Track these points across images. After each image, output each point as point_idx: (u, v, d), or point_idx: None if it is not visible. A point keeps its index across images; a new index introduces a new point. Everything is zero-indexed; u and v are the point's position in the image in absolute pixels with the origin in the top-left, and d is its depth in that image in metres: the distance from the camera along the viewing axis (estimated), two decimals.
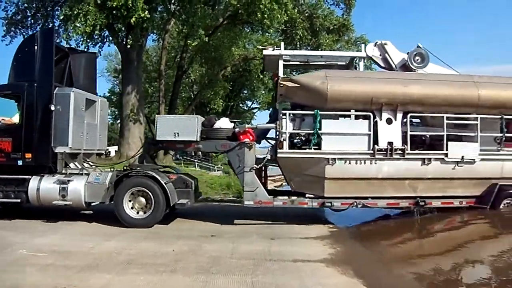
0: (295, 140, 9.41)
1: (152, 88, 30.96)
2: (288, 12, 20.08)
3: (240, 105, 40.15)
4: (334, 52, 12.21)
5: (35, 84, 9.03)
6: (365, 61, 9.96)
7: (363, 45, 10.28)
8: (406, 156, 9.01)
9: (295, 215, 9.92)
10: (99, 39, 20.35)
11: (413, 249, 7.85)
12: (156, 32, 23.06)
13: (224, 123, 9.53)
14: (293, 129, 9.15)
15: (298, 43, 23.15)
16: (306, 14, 24.08)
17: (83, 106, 9.47)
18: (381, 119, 9.06)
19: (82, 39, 18.68)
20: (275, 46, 9.93)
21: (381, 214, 10.19)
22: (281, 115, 9.08)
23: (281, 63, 9.48)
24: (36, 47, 9.08)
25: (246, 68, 28.75)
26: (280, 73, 9.44)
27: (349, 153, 8.91)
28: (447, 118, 9.25)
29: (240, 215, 9.78)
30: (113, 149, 22.76)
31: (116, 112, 31.38)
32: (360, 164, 8.97)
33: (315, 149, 8.93)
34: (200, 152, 12.92)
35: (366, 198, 9.18)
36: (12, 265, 5.92)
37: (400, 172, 9.08)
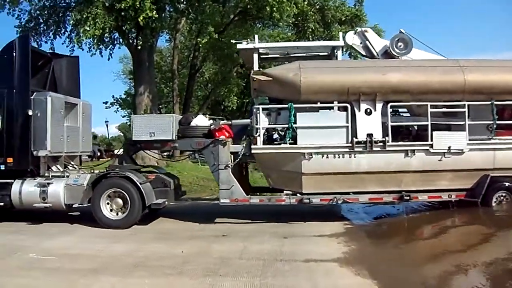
0: (275, 136, 9.12)
1: (168, 88, 31.25)
2: (298, 5, 19.67)
3: None
4: (312, 42, 11.75)
5: (14, 90, 9.15)
6: (344, 50, 9.50)
7: (341, 34, 9.83)
8: (387, 148, 8.58)
9: (311, 212, 9.66)
10: (110, 41, 20.64)
11: (433, 248, 7.35)
12: (167, 32, 23.11)
13: (200, 121, 9.38)
14: (269, 124, 8.86)
15: (310, 36, 22.68)
16: (317, 6, 23.54)
17: (62, 109, 9.55)
18: (359, 110, 8.66)
19: (92, 42, 18.99)
20: (249, 40, 9.63)
21: (399, 209, 9.86)
22: (254, 110, 8.83)
23: (255, 56, 9.23)
24: (14, 53, 9.21)
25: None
26: (255, 67, 9.17)
27: (326, 147, 8.56)
28: (432, 107, 8.71)
29: (254, 213, 9.48)
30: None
31: (132, 114, 31.89)
32: (339, 158, 8.61)
33: (290, 144, 8.61)
34: None
35: (347, 193, 8.78)
36: (20, 270, 5.92)
37: (382, 165, 8.65)
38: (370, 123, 8.64)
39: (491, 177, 8.70)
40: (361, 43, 9.53)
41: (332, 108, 8.74)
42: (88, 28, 17.78)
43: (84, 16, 17.53)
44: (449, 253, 6.70)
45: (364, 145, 8.53)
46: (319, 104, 8.71)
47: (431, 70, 8.78)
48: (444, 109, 9.00)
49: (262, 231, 8.23)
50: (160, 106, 29.80)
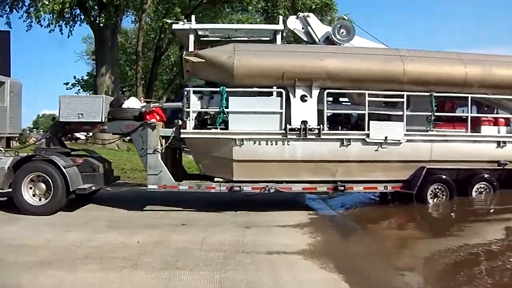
0: (209, 121, 8.73)
1: (132, 71, 30.42)
2: None
3: None
4: (252, 25, 11.36)
5: None
6: (284, 34, 9.12)
7: (281, 18, 9.45)
8: (322, 137, 8.28)
9: (274, 200, 9.35)
10: (70, 18, 19.84)
11: (401, 239, 7.21)
12: (133, 12, 22.34)
13: (132, 103, 8.93)
14: (201, 108, 8.46)
15: (279, 22, 22.19)
16: None
17: None
18: (294, 96, 8.33)
19: (52, 18, 18.19)
20: (185, 20, 9.16)
21: (367, 199, 9.75)
22: (185, 92, 8.42)
23: (191, 37, 8.77)
24: None
25: None
26: (190, 49, 8.72)
27: (259, 133, 8.23)
28: (370, 95, 8.43)
29: (218, 201, 9.13)
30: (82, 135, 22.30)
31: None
32: (272, 145, 8.28)
33: (221, 129, 8.23)
34: None
35: (281, 182, 8.46)
36: None
37: (316, 154, 8.36)
38: (305, 110, 8.32)
39: (427, 169, 8.49)
40: (302, 29, 9.19)
41: (266, 93, 8.36)
42: (47, 2, 16.96)
43: None
44: (417, 244, 6.58)
45: (298, 132, 8.22)
46: (252, 89, 8.29)
47: (371, 58, 8.50)
48: (385, 99, 8.68)
49: (223, 220, 7.93)
50: (124, 89, 29.06)
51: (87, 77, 27.64)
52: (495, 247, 6.27)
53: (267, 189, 8.41)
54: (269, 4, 22.23)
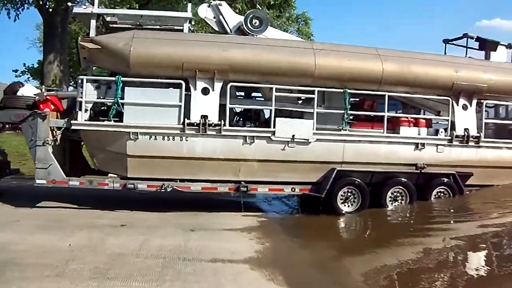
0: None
1: None
2: None
3: None
4: (157, 12, 10.71)
5: None
6: (190, 23, 8.51)
7: (189, 5, 8.82)
8: (223, 133, 7.69)
9: (222, 201, 8.83)
10: (18, 1, 19.04)
11: (356, 245, 6.74)
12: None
13: (27, 90, 8.30)
14: (97, 98, 7.84)
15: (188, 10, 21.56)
16: None
17: None
18: (195, 89, 7.72)
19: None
20: (87, 3, 8.52)
21: None
22: (79, 81, 7.79)
23: (93, 23, 8.12)
24: None
25: None
26: (92, 35, 8.08)
27: (155, 127, 7.62)
28: (278, 90, 7.86)
29: (164, 199, 8.36)
30: None
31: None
32: (169, 140, 7.68)
33: (115, 121, 7.61)
34: None
35: (180, 180, 7.87)
36: None
37: (217, 151, 7.78)
38: (206, 104, 7.73)
39: (337, 171, 7.93)
40: (214, 18, 8.57)
41: (165, 84, 7.77)
42: None
43: None
44: (371, 251, 6.07)
45: (197, 127, 7.63)
46: (150, 79, 7.69)
47: (280, 50, 7.94)
48: (293, 94, 8.14)
49: (167, 221, 7.33)
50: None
51: (38, 65, 26.66)
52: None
53: (163, 187, 7.79)
54: None
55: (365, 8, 45.04)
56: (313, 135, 7.89)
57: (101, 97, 7.85)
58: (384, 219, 7.88)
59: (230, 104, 7.81)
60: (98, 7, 8.32)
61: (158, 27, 8.96)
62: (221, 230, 6.91)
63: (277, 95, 7.97)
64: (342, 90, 8.04)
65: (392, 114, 8.59)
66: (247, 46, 7.88)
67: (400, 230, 7.42)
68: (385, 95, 8.22)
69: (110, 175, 8.14)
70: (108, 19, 8.65)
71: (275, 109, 7.98)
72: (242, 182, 7.96)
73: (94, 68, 8.58)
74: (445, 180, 8.43)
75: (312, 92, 7.95)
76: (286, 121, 7.88)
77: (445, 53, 9.60)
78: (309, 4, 48.30)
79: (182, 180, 7.92)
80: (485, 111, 9.60)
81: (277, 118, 7.83)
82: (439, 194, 8.46)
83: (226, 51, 7.71)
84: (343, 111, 8.02)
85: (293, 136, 7.81)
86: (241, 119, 8.66)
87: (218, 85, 7.76)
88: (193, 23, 8.67)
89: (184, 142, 7.70)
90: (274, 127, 7.83)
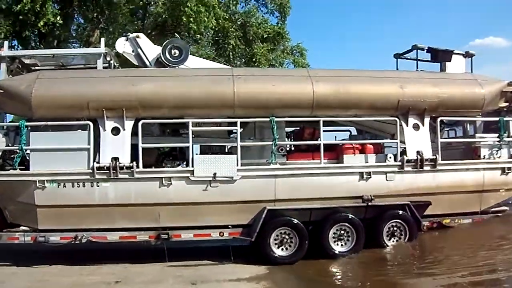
0: None
1: None
2: (219, 21, 18.27)
3: None
4: (69, 50, 10.28)
5: None
6: (105, 58, 7.89)
7: (102, 40, 8.22)
8: (136, 176, 6.93)
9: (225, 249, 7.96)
10: (9, 48, 19.13)
11: None
12: (80, 45, 21.50)
13: None
14: (6, 146, 7.29)
15: (230, 53, 21.24)
16: (239, 23, 22.25)
17: None
18: (104, 129, 7.05)
19: None
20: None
21: None
22: None
23: (3, 66, 7.64)
24: None
25: None
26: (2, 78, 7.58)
27: (62, 174, 6.95)
28: (195, 124, 7.11)
29: (156, 252, 7.52)
30: None
31: None
32: (79, 187, 6.98)
33: (21, 169, 7.00)
34: None
35: (95, 230, 7.15)
36: None
37: (131, 196, 7.04)
38: (117, 145, 7.04)
39: (268, 211, 7.02)
40: (133, 51, 7.96)
41: (72, 127, 7.15)
42: None
43: None
44: None
45: (107, 171, 6.90)
46: (54, 122, 7.09)
47: (195, 80, 7.21)
48: (212, 128, 7.38)
49: (166, 274, 6.74)
50: None
51: None
52: None
53: (78, 238, 7.07)
54: (219, 34, 21.20)
55: (355, 32, 43.93)
56: (237, 172, 7.01)
57: (10, 145, 7.26)
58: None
59: (143, 143, 7.05)
60: (10, 49, 7.78)
61: (82, 66, 8.38)
62: (226, 281, 6.33)
63: (198, 130, 7.21)
64: (267, 119, 7.14)
65: (331, 141, 7.62)
66: (158, 79, 7.21)
67: None
68: (319, 120, 7.28)
69: (21, 227, 7.45)
70: (27, 61, 8.13)
71: (200, 146, 7.21)
72: (162, 229, 7.10)
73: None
74: (399, 212, 7.35)
75: (235, 124, 7.12)
76: (206, 158, 7.10)
77: (397, 69, 8.63)
78: (304, 34, 47.61)
79: (99, 229, 7.15)
80: (452, 129, 8.59)
81: (195, 156, 7.08)
82: (392, 229, 7.38)
83: (135, 86, 7.02)
84: (271, 142, 7.12)
85: (215, 174, 6.97)
86: (170, 158, 7.91)
87: (129, 124, 7.08)
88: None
89: (95, 188, 6.99)
90: (192, 165, 7.00)
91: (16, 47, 19.37)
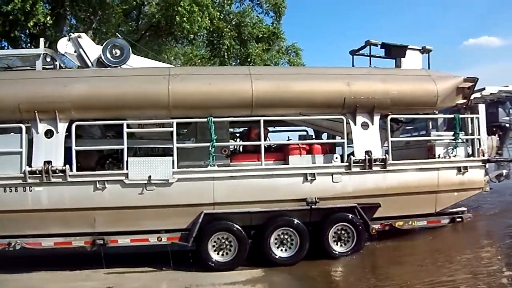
0: None
1: None
2: (214, 21, 18.10)
3: None
4: (11, 51, 10.14)
5: None
6: (45, 59, 7.73)
7: (41, 40, 8.03)
8: (69, 180, 6.72)
9: None
10: None
11: None
12: None
13: None
14: None
15: (225, 53, 21.04)
16: (234, 23, 22.05)
17: None
18: (37, 132, 6.87)
19: None
20: None
21: None
22: None
23: None
24: None
25: None
26: None
27: None
28: (129, 126, 6.88)
29: (155, 253, 7.39)
30: None
31: None
32: (11, 192, 6.78)
33: None
34: None
35: (29, 236, 6.94)
36: None
37: (65, 201, 6.81)
38: (50, 148, 6.82)
39: (205, 214, 6.75)
40: (75, 52, 7.76)
41: (5, 130, 6.98)
42: None
43: None
44: None
45: (40, 175, 6.70)
46: None
47: (130, 80, 7.00)
48: (147, 129, 7.14)
49: (160, 278, 6.66)
50: None
51: None
52: None
53: (12, 245, 6.86)
54: (214, 35, 20.99)
55: (352, 31, 43.37)
56: (173, 175, 6.74)
57: None
58: None
59: (80, 146, 6.85)
60: None
61: (29, 67, 8.21)
62: (221, 285, 6.23)
63: (140, 131, 7.00)
64: (204, 120, 6.88)
65: (273, 142, 7.33)
66: (91, 80, 6.98)
67: None
68: (260, 120, 6.98)
69: None
70: None
71: (138, 148, 6.99)
72: (97, 235, 6.87)
73: None
74: (345, 215, 6.99)
75: (171, 125, 6.87)
76: (140, 161, 6.83)
77: (352, 66, 8.29)
78: (299, 34, 47.23)
79: (34, 235, 6.94)
80: (413, 127, 8.22)
81: (129, 158, 6.81)
82: (339, 232, 7.03)
83: (67, 87, 6.81)
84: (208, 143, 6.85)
85: (149, 177, 6.71)
86: (113, 161, 7.67)
87: (62, 126, 6.87)
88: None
89: (28, 192, 6.78)
90: (127, 168, 6.75)
91: (5, 47, 19.46)
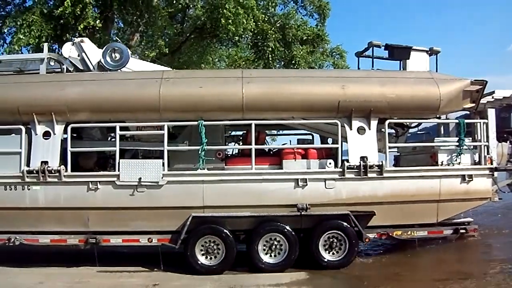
0: None
1: None
2: (258, 23, 18.18)
3: None
4: (16, 56, 10.23)
5: None
6: (50, 63, 8.00)
7: (45, 45, 8.26)
8: (64, 180, 6.92)
9: None
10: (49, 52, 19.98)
11: None
12: None
13: None
14: None
15: (270, 55, 20.95)
16: (278, 25, 21.90)
17: None
18: (36, 133, 7.12)
19: (29, 52, 18.37)
20: None
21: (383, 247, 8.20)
22: None
23: None
24: None
25: None
26: None
27: None
28: (122, 128, 7.00)
29: None
30: None
31: None
32: (11, 190, 7.08)
33: None
34: None
35: (27, 233, 7.22)
36: None
37: (60, 200, 7.02)
38: (47, 149, 7.05)
39: (193, 218, 6.75)
40: (78, 56, 7.97)
41: (7, 131, 7.28)
42: (22, 36, 16.93)
43: (19, 23, 16.73)
44: None
45: (36, 175, 6.93)
46: None
47: (124, 84, 7.10)
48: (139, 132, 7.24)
49: (202, 280, 6.63)
50: None
51: None
52: None
53: (11, 241, 7.15)
54: (258, 37, 20.94)
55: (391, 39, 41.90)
56: (163, 177, 6.78)
57: None
58: None
59: (74, 147, 7.03)
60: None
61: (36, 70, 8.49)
62: (266, 286, 6.19)
63: (136, 134, 7.16)
64: (195, 122, 6.87)
65: (265, 146, 7.21)
66: (86, 83, 7.13)
67: None
68: (251, 123, 6.90)
69: None
70: None
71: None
72: (90, 233, 7.01)
73: None
74: (337, 222, 6.77)
75: (162, 127, 6.92)
76: (131, 163, 6.91)
77: (358, 68, 8.02)
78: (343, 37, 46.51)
79: (32, 232, 7.20)
80: (427, 132, 7.87)
81: (121, 160, 6.90)
82: (330, 240, 6.82)
83: (63, 91, 7.00)
84: (198, 147, 6.83)
85: (140, 179, 6.79)
86: (111, 162, 7.81)
87: (59, 128, 7.08)
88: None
89: (26, 191, 7.04)
90: (119, 170, 6.86)
91: (57, 50, 20.19)
